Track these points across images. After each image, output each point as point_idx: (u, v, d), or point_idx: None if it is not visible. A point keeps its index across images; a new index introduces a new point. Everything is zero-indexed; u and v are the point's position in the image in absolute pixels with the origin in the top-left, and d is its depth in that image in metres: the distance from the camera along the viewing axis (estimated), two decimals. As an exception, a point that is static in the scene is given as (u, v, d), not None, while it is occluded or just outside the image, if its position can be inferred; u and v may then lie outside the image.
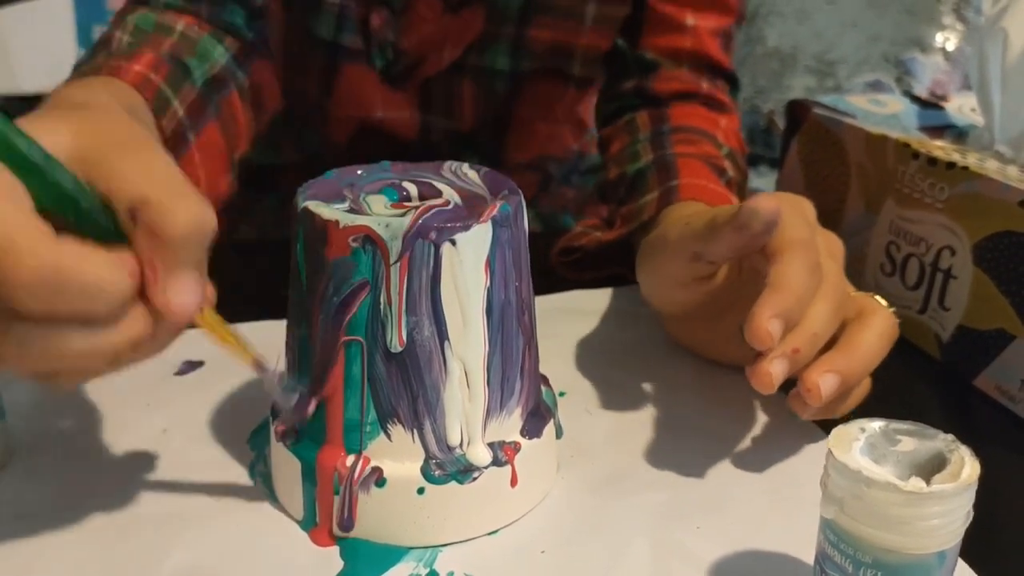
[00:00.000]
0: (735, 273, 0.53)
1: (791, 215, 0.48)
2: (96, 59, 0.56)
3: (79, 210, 0.34)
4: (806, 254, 0.46)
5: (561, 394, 0.55)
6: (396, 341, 0.40)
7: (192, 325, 0.37)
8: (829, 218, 0.72)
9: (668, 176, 0.65)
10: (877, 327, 0.47)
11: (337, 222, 0.40)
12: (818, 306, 0.46)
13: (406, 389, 0.41)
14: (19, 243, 0.31)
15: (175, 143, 0.55)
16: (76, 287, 0.32)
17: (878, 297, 0.49)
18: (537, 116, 0.87)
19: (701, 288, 0.53)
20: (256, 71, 0.67)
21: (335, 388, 0.42)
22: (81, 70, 0.55)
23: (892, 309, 0.49)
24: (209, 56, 0.62)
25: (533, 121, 0.87)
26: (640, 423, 0.53)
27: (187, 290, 0.35)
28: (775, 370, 0.44)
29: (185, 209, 0.34)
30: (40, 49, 1.45)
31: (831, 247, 0.50)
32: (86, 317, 0.33)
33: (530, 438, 0.45)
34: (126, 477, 0.47)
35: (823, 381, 0.45)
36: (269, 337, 0.46)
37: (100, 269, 0.33)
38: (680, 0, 0.76)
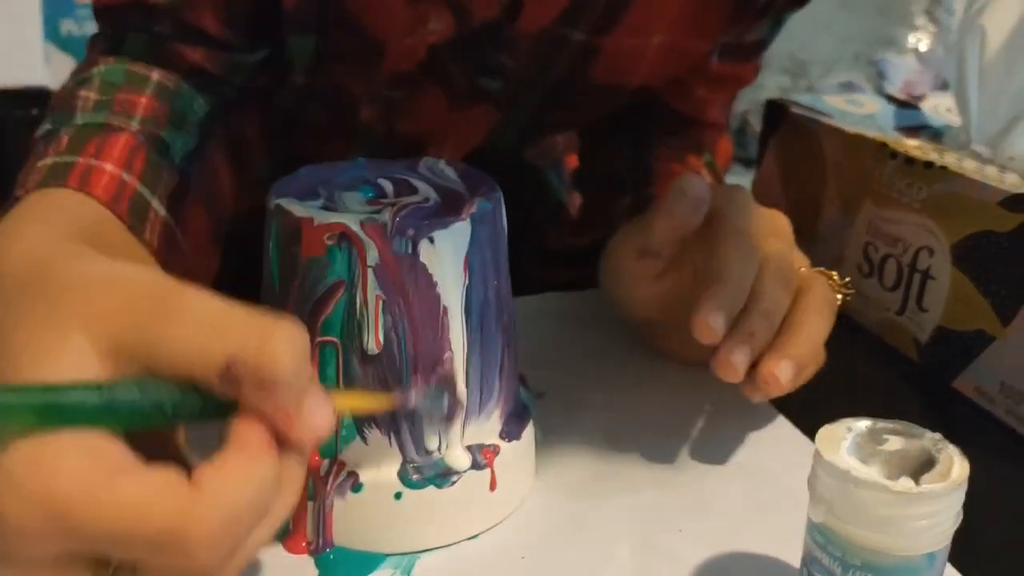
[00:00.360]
0: (689, 277, 0.53)
1: (725, 206, 0.49)
2: (59, 136, 0.48)
3: (166, 415, 0.30)
4: (739, 242, 0.47)
5: (540, 395, 0.54)
6: (373, 343, 0.39)
7: None
8: (806, 218, 0.72)
9: (644, 183, 0.64)
10: (815, 305, 0.48)
11: (312, 219, 0.39)
12: (763, 286, 0.47)
13: (383, 390, 0.40)
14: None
15: (166, 248, 0.48)
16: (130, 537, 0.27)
17: (821, 269, 0.51)
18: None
19: (656, 288, 0.53)
20: (239, 124, 0.59)
21: (309, 390, 0.40)
22: (44, 164, 0.46)
23: (836, 279, 0.51)
24: (187, 116, 0.54)
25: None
26: (619, 425, 0.52)
27: (320, 412, 0.32)
28: (736, 358, 0.45)
29: (280, 341, 0.30)
30: (6, 44, 1.45)
31: (776, 226, 0.51)
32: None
33: (509, 440, 0.44)
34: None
35: (779, 369, 0.45)
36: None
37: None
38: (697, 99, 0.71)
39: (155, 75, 0.54)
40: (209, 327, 0.30)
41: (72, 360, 0.29)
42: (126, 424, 0.29)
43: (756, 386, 0.46)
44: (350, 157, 0.54)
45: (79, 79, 0.53)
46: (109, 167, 0.46)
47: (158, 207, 0.48)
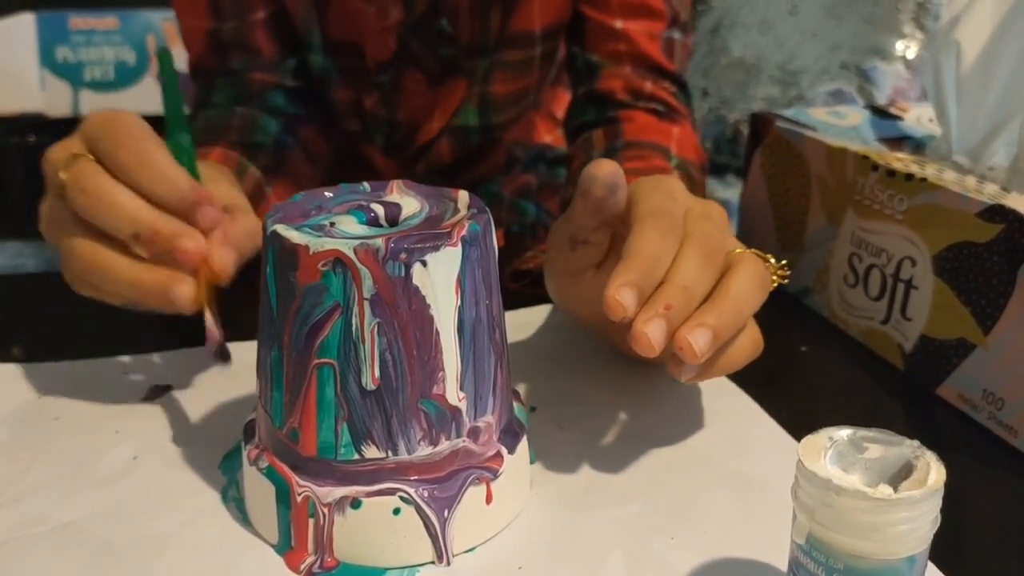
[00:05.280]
0: None
1: (647, 192, 0.48)
2: None
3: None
4: (656, 220, 0.46)
5: (532, 409, 0.55)
6: (368, 364, 0.40)
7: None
8: (792, 230, 0.73)
9: None
10: (744, 274, 0.46)
11: (307, 247, 0.40)
12: (683, 260, 0.45)
13: (380, 410, 0.41)
14: (129, 133, 0.48)
15: (256, 196, 0.70)
16: (158, 171, 0.47)
17: (756, 252, 0.49)
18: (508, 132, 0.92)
19: (595, 283, 0.52)
20: (303, 134, 0.82)
21: (308, 411, 0.42)
22: None
23: (772, 262, 0.50)
24: (267, 132, 0.77)
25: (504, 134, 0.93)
26: (610, 436, 0.53)
27: (229, 257, 0.49)
28: (651, 331, 0.42)
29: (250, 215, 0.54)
30: (2, 71, 1.46)
31: (705, 213, 0.49)
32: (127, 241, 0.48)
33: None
34: (97, 506, 0.46)
35: (693, 337, 0.43)
36: (243, 358, 0.46)
37: (176, 169, 0.48)
38: (607, 8, 0.81)
39: (236, 119, 0.77)
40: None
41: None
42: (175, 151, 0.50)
43: (674, 359, 0.44)
44: (368, 137, 0.89)
45: None
46: (217, 150, 0.70)
47: (254, 171, 0.71)
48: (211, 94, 0.80)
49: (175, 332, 0.60)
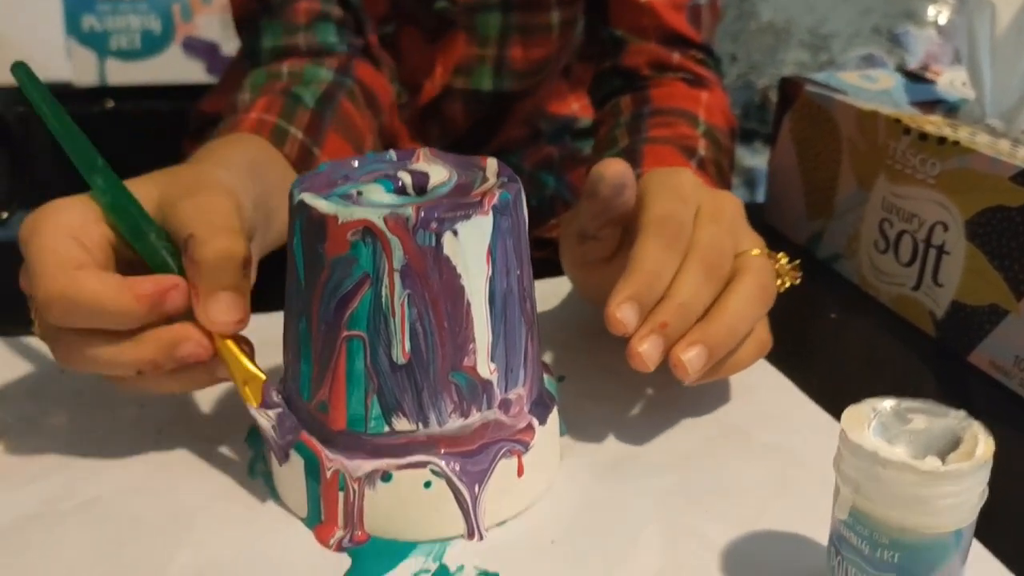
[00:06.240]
0: None
1: (656, 192, 0.48)
2: (228, 121, 0.66)
3: (148, 244, 0.43)
4: (660, 230, 0.46)
5: (560, 379, 0.55)
6: (400, 353, 0.40)
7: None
8: (822, 196, 0.72)
9: (632, 166, 0.65)
10: (744, 290, 0.46)
11: (336, 217, 0.39)
12: (684, 276, 0.45)
13: (410, 382, 0.40)
14: (42, 270, 0.40)
15: (303, 161, 0.65)
16: (83, 307, 0.40)
17: (768, 252, 0.49)
18: (528, 100, 0.90)
19: (604, 274, 0.52)
20: (361, 75, 0.76)
21: (337, 384, 0.41)
22: (217, 131, 0.65)
23: (784, 262, 0.50)
24: (316, 79, 0.72)
25: (525, 101, 0.91)
26: (641, 406, 0.52)
27: (222, 309, 0.42)
28: (645, 349, 0.43)
29: (217, 241, 0.42)
30: (28, 40, 1.46)
31: (716, 212, 0.49)
32: (104, 331, 0.42)
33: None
34: (124, 480, 0.46)
35: (687, 356, 0.44)
36: (271, 329, 0.45)
37: (106, 293, 0.40)
38: None
39: (285, 67, 0.73)
40: (197, 212, 0.43)
41: (143, 193, 0.45)
42: (127, 231, 0.43)
43: (671, 373, 0.45)
44: (391, 83, 0.83)
45: (239, 89, 0.72)
46: (253, 115, 0.65)
47: (295, 132, 0.65)
48: (258, 40, 0.76)
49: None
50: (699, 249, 0.46)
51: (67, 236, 0.42)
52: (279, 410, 0.43)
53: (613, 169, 0.47)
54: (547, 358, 0.50)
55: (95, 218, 0.43)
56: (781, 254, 0.50)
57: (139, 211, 0.43)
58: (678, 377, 0.45)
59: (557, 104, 0.96)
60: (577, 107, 0.98)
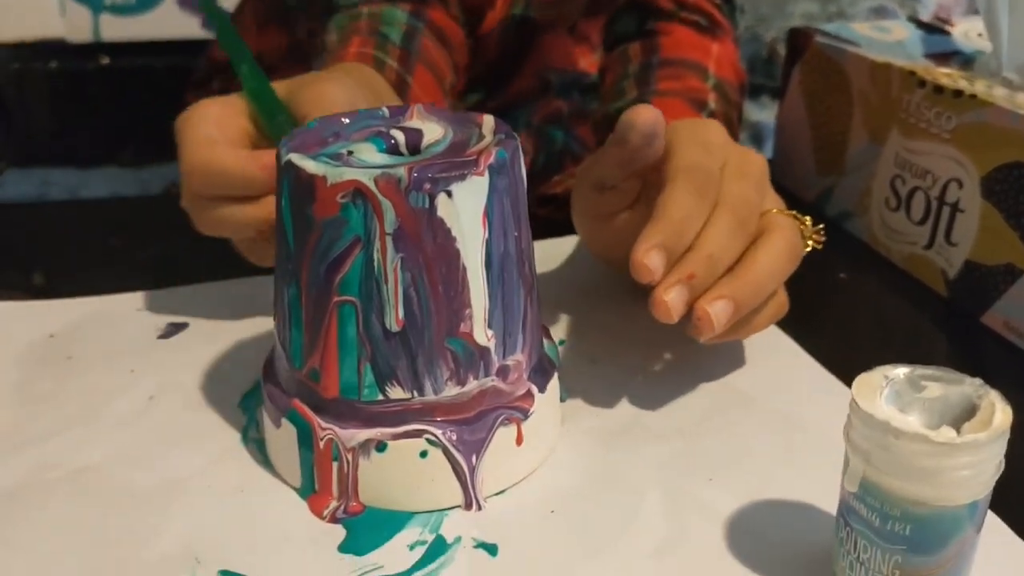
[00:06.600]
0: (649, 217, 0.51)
1: (685, 142, 0.47)
2: (325, 59, 0.69)
3: (276, 124, 0.50)
4: (690, 178, 0.45)
5: (561, 343, 0.53)
6: (393, 320, 0.38)
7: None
8: (833, 151, 0.70)
9: None
10: (773, 247, 0.45)
11: (324, 178, 0.37)
12: (713, 227, 0.44)
13: (404, 349, 0.39)
14: (187, 147, 0.48)
15: (399, 87, 0.67)
16: (217, 175, 0.48)
17: (794, 213, 0.48)
18: (543, 39, 0.89)
19: (618, 225, 0.51)
20: (433, 18, 0.77)
21: (329, 351, 0.40)
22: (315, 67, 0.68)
23: (809, 224, 0.49)
24: (395, 20, 0.74)
25: (541, 40, 0.89)
26: (643, 372, 0.51)
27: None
28: (671, 298, 0.42)
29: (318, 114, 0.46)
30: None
31: (744, 167, 0.48)
32: (234, 197, 0.48)
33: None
34: (114, 448, 0.45)
35: (713, 309, 0.43)
36: (261, 294, 0.44)
37: (236, 163, 0.47)
38: None
39: (364, 10, 0.74)
40: (309, 97, 0.50)
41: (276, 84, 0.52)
42: (262, 111, 0.50)
43: (692, 325, 0.43)
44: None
45: (323, 34, 0.74)
46: (352, 49, 0.69)
47: (392, 63, 0.69)
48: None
49: (200, 259, 0.58)
50: (729, 202, 0.45)
51: (210, 122, 0.49)
52: None
53: (644, 116, 0.45)
54: (547, 322, 0.48)
55: (235, 112, 0.50)
56: (807, 217, 0.49)
57: (272, 97, 0.50)
58: (698, 333, 0.43)
59: (564, 59, 0.95)
60: (584, 64, 0.96)
